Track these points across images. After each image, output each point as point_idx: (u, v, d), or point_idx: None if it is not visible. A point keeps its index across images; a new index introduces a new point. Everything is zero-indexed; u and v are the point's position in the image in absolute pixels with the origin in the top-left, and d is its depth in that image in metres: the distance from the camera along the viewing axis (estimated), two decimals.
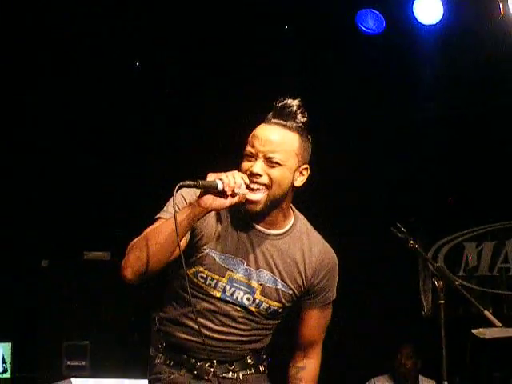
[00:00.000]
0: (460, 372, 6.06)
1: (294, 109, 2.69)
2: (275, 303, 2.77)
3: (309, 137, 2.74)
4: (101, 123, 6.47)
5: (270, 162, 2.64)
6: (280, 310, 2.80)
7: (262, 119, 2.73)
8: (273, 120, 2.69)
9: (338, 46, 5.98)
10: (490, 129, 6.46)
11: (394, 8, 5.75)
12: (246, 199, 2.61)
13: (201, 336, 2.69)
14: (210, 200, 2.55)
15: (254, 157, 2.65)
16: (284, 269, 2.75)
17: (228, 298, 2.74)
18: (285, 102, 2.69)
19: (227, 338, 2.77)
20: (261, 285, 2.74)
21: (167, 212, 2.69)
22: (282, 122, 2.68)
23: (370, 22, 5.73)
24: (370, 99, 6.24)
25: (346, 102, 6.22)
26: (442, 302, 2.93)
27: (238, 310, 2.76)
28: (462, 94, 6.29)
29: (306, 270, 2.77)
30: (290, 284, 2.76)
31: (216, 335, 2.76)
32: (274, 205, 2.68)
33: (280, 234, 2.76)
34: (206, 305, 2.75)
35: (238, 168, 2.66)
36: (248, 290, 2.74)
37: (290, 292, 2.77)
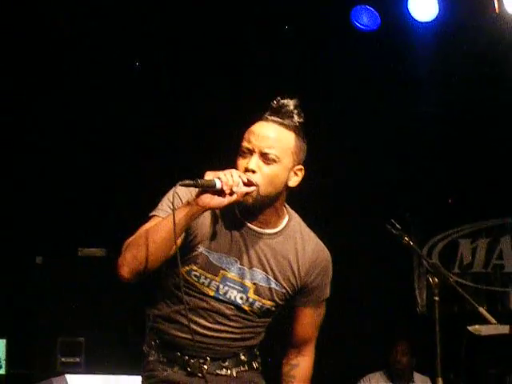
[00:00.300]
0: (454, 368, 6.07)
1: (291, 108, 2.70)
2: (268, 302, 2.77)
3: (305, 139, 2.74)
4: (100, 123, 6.46)
5: (265, 158, 2.64)
6: (273, 309, 2.80)
7: (259, 117, 2.73)
8: (270, 118, 2.70)
9: (335, 45, 5.97)
10: (484, 126, 6.46)
11: (389, 5, 5.75)
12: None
13: (194, 334, 2.69)
14: (208, 199, 2.55)
15: (249, 153, 2.66)
16: (277, 268, 2.75)
17: (221, 297, 2.74)
18: (282, 101, 2.71)
19: (220, 335, 2.77)
20: (254, 284, 2.74)
21: (162, 210, 2.69)
22: (279, 119, 2.69)
23: (365, 18, 5.73)
24: (368, 97, 6.23)
25: (345, 102, 6.22)
26: (436, 298, 2.94)
27: (230, 309, 2.76)
28: (456, 91, 6.29)
29: (299, 269, 2.77)
30: (283, 283, 2.76)
31: (209, 333, 2.76)
32: (266, 203, 2.68)
33: (273, 233, 2.76)
34: (199, 303, 2.74)
35: (234, 164, 2.66)
36: (241, 289, 2.74)
37: (284, 291, 2.78)
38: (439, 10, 5.59)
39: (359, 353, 6.47)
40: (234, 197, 2.57)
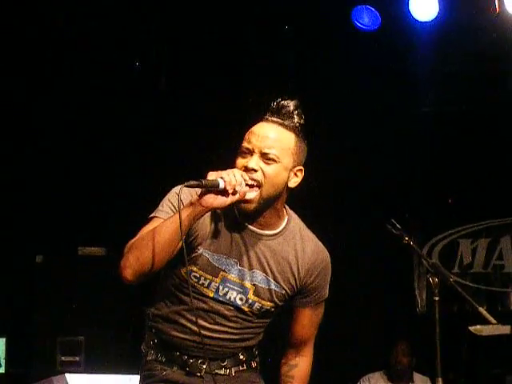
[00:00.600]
0: (454, 368, 6.07)
1: (291, 109, 2.72)
2: (268, 303, 2.78)
3: (305, 140, 2.75)
4: (100, 123, 6.46)
5: (265, 157, 2.65)
6: (272, 310, 2.81)
7: (259, 118, 2.74)
8: (270, 118, 2.71)
9: (335, 45, 5.97)
10: (485, 126, 6.46)
11: (390, 5, 5.74)
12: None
13: (193, 334, 2.71)
14: (211, 199, 2.56)
15: (249, 153, 2.66)
16: (277, 269, 2.76)
17: (221, 298, 2.75)
18: (282, 102, 2.72)
19: (220, 336, 2.78)
20: (254, 285, 2.75)
21: (163, 211, 2.70)
22: (279, 120, 2.70)
23: (366, 18, 5.73)
24: (368, 97, 6.23)
25: (345, 102, 6.21)
26: (436, 298, 2.93)
27: (230, 310, 2.76)
28: (457, 91, 6.29)
29: (299, 270, 2.78)
30: (282, 284, 2.77)
31: (209, 333, 2.76)
32: (267, 204, 2.69)
33: (273, 235, 2.76)
34: (198, 303, 2.74)
35: (233, 164, 2.67)
36: (241, 291, 2.75)
37: (283, 292, 2.78)
38: (440, 9, 5.59)
39: (359, 353, 6.47)
40: (237, 196, 2.58)
